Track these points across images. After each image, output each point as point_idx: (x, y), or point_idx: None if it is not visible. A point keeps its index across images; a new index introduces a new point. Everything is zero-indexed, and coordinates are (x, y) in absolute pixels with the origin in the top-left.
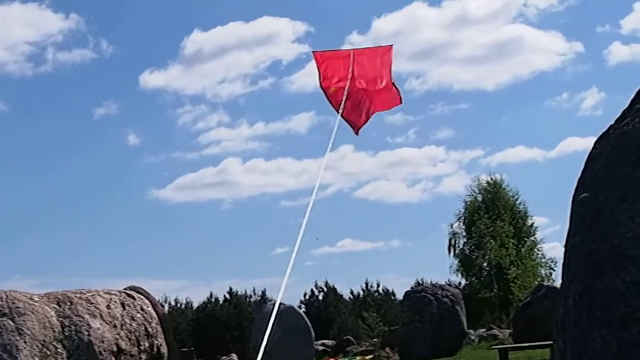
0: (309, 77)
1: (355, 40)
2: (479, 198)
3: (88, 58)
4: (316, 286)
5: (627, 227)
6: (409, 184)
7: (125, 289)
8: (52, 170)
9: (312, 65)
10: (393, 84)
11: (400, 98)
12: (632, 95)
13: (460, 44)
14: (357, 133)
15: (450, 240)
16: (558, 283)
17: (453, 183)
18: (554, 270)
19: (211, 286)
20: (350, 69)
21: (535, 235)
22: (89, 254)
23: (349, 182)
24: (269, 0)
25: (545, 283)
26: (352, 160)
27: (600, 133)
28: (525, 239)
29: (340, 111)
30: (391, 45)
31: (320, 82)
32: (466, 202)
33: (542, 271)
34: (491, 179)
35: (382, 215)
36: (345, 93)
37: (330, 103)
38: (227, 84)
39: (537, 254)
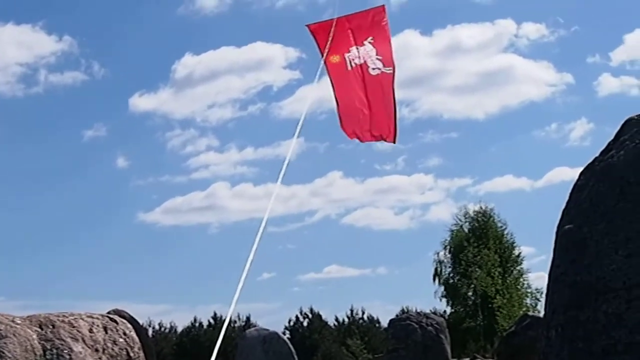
0: (299, 103)
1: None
2: (466, 227)
3: (79, 80)
4: (301, 312)
5: (610, 259)
6: (397, 212)
7: (108, 312)
8: (40, 192)
9: (302, 92)
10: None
11: (395, 136)
12: (618, 128)
13: (451, 72)
14: (350, 136)
15: (436, 268)
16: (543, 314)
17: (441, 211)
18: (540, 301)
19: (195, 310)
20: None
21: (522, 265)
22: (74, 276)
23: (337, 208)
24: (263, 26)
25: (530, 313)
26: (340, 187)
27: (586, 164)
28: (512, 268)
29: (325, 53)
30: (383, 6)
31: (321, 52)
32: (453, 230)
33: (528, 301)
34: (479, 208)
35: (370, 242)
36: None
37: (329, 75)
38: (217, 108)
39: (523, 284)
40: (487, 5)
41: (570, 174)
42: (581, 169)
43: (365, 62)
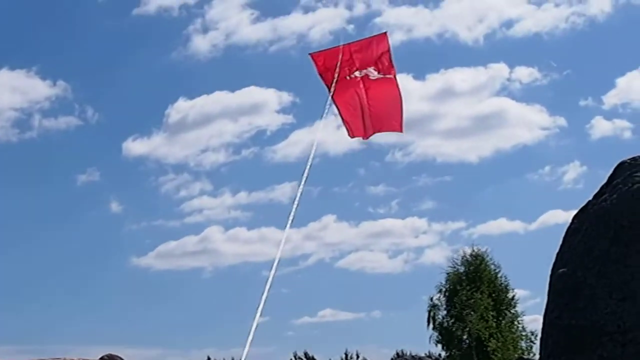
0: (292, 147)
1: None
2: (460, 270)
3: (73, 125)
4: (295, 356)
5: (605, 302)
6: (391, 255)
7: (102, 357)
8: (34, 236)
9: (296, 136)
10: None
11: (401, 124)
12: (611, 171)
13: (445, 116)
14: (351, 136)
15: (429, 311)
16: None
17: (435, 254)
18: (534, 344)
19: (189, 355)
20: (340, 60)
21: (516, 308)
22: (68, 320)
23: (331, 252)
24: (257, 70)
25: (525, 356)
26: (334, 231)
27: (579, 208)
28: (506, 311)
29: (332, 91)
30: (385, 33)
31: (325, 83)
32: (447, 273)
33: (523, 344)
34: (473, 251)
35: (364, 286)
36: (334, 85)
37: (333, 100)
38: (211, 152)
39: (518, 327)
40: (479, 50)
41: (564, 216)
42: (575, 211)
43: (366, 75)
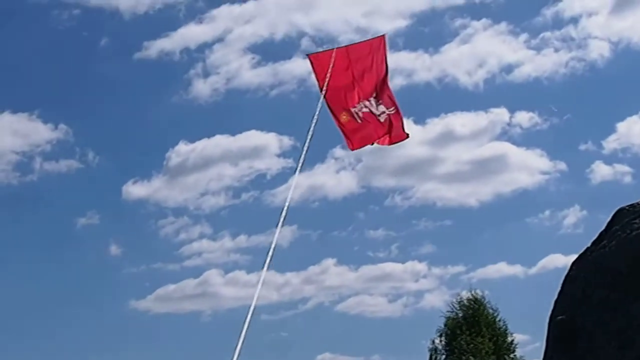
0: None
1: (339, 154)
2: (460, 314)
3: (74, 168)
4: None
5: (604, 350)
6: (391, 299)
7: None
8: (32, 279)
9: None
10: (397, 110)
11: (404, 129)
12: (610, 217)
13: (444, 160)
14: (352, 149)
15: (430, 356)
16: None
17: (434, 298)
18: None
19: None
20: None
21: (516, 352)
22: None
23: (330, 296)
24: (257, 114)
25: None
26: (334, 274)
27: (578, 255)
28: (505, 356)
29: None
30: (383, 36)
31: (319, 86)
32: (447, 318)
33: None
34: (472, 295)
35: (363, 330)
36: (324, 95)
37: (332, 112)
38: (210, 196)
39: None
40: (480, 94)
41: (564, 261)
42: (575, 256)
43: (370, 111)
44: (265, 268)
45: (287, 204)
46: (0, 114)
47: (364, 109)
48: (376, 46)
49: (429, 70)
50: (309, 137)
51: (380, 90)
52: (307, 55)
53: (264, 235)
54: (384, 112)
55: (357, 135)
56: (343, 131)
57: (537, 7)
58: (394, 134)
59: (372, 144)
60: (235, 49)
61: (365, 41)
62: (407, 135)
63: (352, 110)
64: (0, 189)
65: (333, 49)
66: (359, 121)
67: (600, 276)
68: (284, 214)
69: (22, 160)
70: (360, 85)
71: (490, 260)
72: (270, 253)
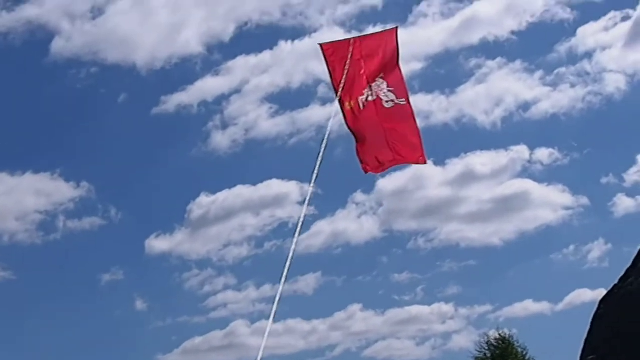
0: (314, 238)
1: (360, 199)
2: (489, 354)
3: (97, 225)
4: None
5: None
6: (419, 342)
7: None
8: (58, 337)
9: (318, 227)
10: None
11: (423, 154)
12: (636, 252)
13: (466, 200)
14: (365, 171)
15: None
16: None
17: (462, 339)
18: None
19: None
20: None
21: None
22: None
23: (357, 341)
24: (277, 163)
25: None
26: (360, 320)
27: (606, 292)
28: None
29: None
30: (395, 28)
31: (331, 76)
32: (476, 358)
33: None
34: (500, 334)
35: None
36: (341, 91)
37: (343, 113)
38: (233, 247)
39: None
40: (498, 133)
41: (591, 295)
42: (601, 290)
43: (378, 96)
44: (271, 319)
45: (291, 252)
46: (22, 174)
47: (370, 97)
48: (387, 38)
49: (447, 112)
50: (318, 163)
51: (390, 78)
52: (319, 44)
53: (288, 284)
54: (392, 100)
55: (366, 145)
56: (358, 152)
57: (551, 44)
58: (409, 149)
59: (385, 165)
60: (253, 100)
61: (377, 33)
62: (425, 161)
63: (359, 98)
64: (25, 248)
65: (348, 39)
66: (361, 107)
67: (629, 313)
68: (288, 263)
69: (45, 220)
70: (369, 72)
71: (517, 299)
72: (275, 303)
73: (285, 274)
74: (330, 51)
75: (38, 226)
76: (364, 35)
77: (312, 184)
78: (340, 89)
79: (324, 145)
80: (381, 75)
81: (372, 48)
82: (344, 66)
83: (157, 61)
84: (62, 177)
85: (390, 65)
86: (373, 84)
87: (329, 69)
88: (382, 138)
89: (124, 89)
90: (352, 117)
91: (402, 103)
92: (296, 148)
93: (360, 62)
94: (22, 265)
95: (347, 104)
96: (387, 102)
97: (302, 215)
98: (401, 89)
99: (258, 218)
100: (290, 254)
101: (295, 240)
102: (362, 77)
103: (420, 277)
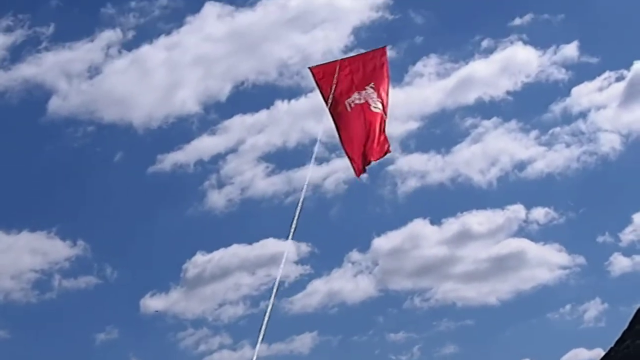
0: (310, 298)
1: (356, 258)
2: None
3: (92, 284)
4: None
5: None
6: None
7: None
8: None
9: (313, 286)
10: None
11: (389, 145)
12: (632, 312)
13: (462, 260)
14: (358, 175)
15: None
16: None
17: None
18: None
19: None
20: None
21: None
22: None
23: None
24: (273, 222)
25: None
26: None
27: (602, 350)
28: None
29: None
30: (384, 48)
31: (323, 98)
32: None
33: None
34: None
35: None
36: (331, 97)
37: (334, 122)
38: (229, 306)
39: None
40: (494, 192)
41: (588, 355)
42: (598, 349)
43: (366, 101)
44: None
45: (268, 311)
46: (18, 232)
47: (357, 101)
48: (377, 54)
49: (442, 171)
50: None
51: (379, 88)
52: (309, 67)
53: (283, 344)
54: (378, 109)
55: (354, 143)
56: (348, 155)
57: (546, 104)
58: (381, 142)
59: (369, 163)
60: (249, 159)
61: (365, 52)
62: (389, 150)
63: (346, 101)
64: (20, 308)
65: (336, 60)
66: (349, 109)
67: None
68: (266, 318)
69: (41, 278)
70: (358, 81)
71: (514, 358)
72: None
73: (262, 331)
74: (320, 74)
75: (33, 285)
76: (352, 56)
77: (290, 237)
78: (330, 99)
79: (301, 198)
80: (372, 84)
81: (361, 64)
82: (333, 80)
83: (154, 120)
84: (58, 235)
85: (379, 77)
86: (363, 92)
87: (320, 89)
88: (367, 136)
89: (120, 148)
90: (339, 118)
91: (385, 116)
92: (292, 207)
93: (349, 77)
94: (17, 324)
95: (337, 107)
96: (374, 107)
97: (279, 273)
98: (386, 105)
99: (254, 277)
100: (268, 312)
101: (272, 300)
102: (351, 85)
103: (417, 336)
